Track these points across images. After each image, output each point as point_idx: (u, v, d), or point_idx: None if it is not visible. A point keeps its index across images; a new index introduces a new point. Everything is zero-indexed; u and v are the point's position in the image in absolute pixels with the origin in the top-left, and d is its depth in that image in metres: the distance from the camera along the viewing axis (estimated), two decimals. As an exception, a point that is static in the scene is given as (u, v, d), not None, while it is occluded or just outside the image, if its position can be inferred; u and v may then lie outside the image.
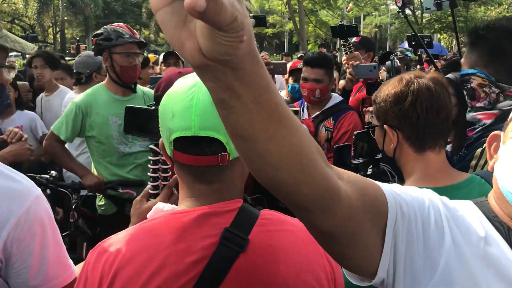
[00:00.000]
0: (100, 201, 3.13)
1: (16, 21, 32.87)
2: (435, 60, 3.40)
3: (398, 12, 3.06)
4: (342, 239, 0.77)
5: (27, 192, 1.19)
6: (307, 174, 0.67)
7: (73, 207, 3.13)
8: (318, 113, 3.12)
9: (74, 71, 4.18)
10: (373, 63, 3.31)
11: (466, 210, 0.89)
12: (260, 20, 3.24)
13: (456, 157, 1.81)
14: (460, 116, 2.04)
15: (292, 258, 1.01)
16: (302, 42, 18.90)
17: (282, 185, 0.68)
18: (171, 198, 1.26)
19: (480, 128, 1.73)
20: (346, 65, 3.18)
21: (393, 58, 3.14)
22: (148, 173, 1.35)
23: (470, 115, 1.77)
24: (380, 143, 1.57)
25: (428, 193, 0.89)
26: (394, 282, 0.83)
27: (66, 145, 3.13)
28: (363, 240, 0.80)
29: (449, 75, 2.24)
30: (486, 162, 1.61)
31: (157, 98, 1.10)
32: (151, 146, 1.30)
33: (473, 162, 1.66)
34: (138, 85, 3.14)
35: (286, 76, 4.19)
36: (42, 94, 4.47)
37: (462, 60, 1.81)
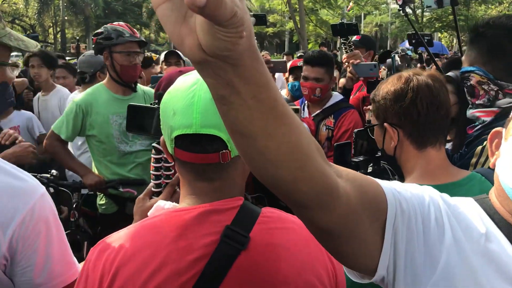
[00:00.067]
0: (100, 200, 3.13)
1: (17, 21, 32.89)
2: (435, 59, 3.40)
3: (399, 10, 3.06)
4: (341, 237, 0.77)
5: (32, 190, 1.20)
6: (306, 171, 0.68)
7: (74, 206, 3.14)
8: (318, 111, 3.13)
9: (78, 70, 4.18)
10: (373, 62, 3.31)
11: (467, 207, 0.89)
12: (260, 19, 3.24)
13: (457, 155, 1.81)
14: (461, 115, 2.04)
15: (293, 256, 1.01)
16: (303, 41, 18.88)
17: (281, 182, 0.68)
18: (174, 196, 1.26)
19: (480, 126, 1.73)
20: (346, 63, 3.18)
21: (394, 55, 3.14)
22: (151, 171, 1.35)
23: (469, 112, 1.77)
24: (379, 142, 1.57)
25: (429, 190, 0.89)
26: (395, 280, 0.83)
27: (69, 144, 3.13)
28: (362, 237, 0.80)
29: (450, 73, 2.24)
30: (486, 159, 1.61)
31: (160, 96, 1.10)
32: (154, 144, 1.30)
33: (474, 160, 1.66)
34: (138, 84, 3.14)
35: (287, 75, 4.19)
36: (39, 94, 4.48)
37: (463, 58, 1.81)
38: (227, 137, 0.98)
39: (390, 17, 33.58)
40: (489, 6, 26.63)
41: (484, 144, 1.63)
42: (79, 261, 1.32)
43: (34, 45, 1.35)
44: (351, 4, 24.18)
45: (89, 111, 2.96)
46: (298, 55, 8.47)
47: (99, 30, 3.03)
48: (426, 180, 1.39)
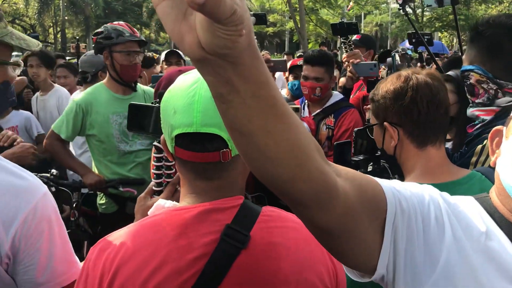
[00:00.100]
0: (101, 200, 3.13)
1: (17, 21, 32.89)
2: (436, 59, 3.40)
3: (399, 9, 3.06)
4: (340, 235, 0.77)
5: (34, 189, 1.20)
6: (305, 169, 0.68)
7: (74, 205, 3.14)
8: (319, 111, 3.12)
9: (80, 70, 4.18)
10: (373, 61, 3.31)
11: (467, 205, 0.89)
12: (260, 18, 3.24)
13: (457, 154, 1.81)
14: (461, 114, 2.04)
15: (294, 255, 1.01)
16: (303, 41, 18.87)
17: (280, 181, 0.68)
18: (175, 195, 1.26)
19: (480, 124, 1.73)
20: (346, 63, 3.18)
21: (394, 54, 3.14)
22: (152, 170, 1.35)
23: (469, 111, 1.77)
24: (379, 141, 1.56)
25: (429, 188, 0.89)
26: (394, 278, 0.83)
27: (70, 143, 3.13)
28: (361, 236, 0.80)
29: (450, 72, 2.24)
30: (486, 158, 1.61)
31: (161, 95, 1.10)
32: (155, 143, 1.30)
33: (474, 159, 1.66)
34: (138, 84, 3.14)
35: (287, 74, 4.19)
36: (37, 94, 4.47)
37: (463, 57, 1.81)
38: (228, 136, 0.97)
39: (390, 16, 33.59)
40: (489, 5, 26.63)
41: (484, 143, 1.63)
42: (80, 261, 1.32)
43: (35, 44, 1.35)
44: (351, 3, 24.19)
45: (89, 110, 2.96)
46: (298, 54, 8.47)
47: (99, 30, 3.03)
48: (426, 178, 1.39)
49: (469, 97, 1.77)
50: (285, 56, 10.75)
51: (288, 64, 3.90)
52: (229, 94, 0.60)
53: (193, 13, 0.55)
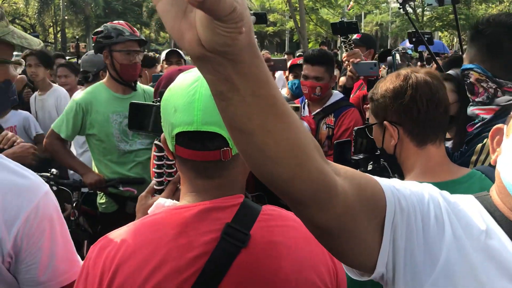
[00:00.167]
0: (101, 199, 3.13)
1: (17, 21, 32.87)
2: (436, 58, 3.40)
3: (399, 9, 3.06)
4: (339, 234, 0.77)
5: (36, 188, 1.20)
6: (304, 168, 0.68)
7: (74, 205, 3.14)
8: (319, 110, 3.13)
9: (81, 69, 4.18)
10: (373, 61, 3.31)
11: (467, 204, 0.88)
12: (260, 17, 3.23)
13: (457, 153, 1.81)
14: (461, 113, 2.04)
15: (294, 254, 1.01)
16: (303, 41, 18.86)
17: (280, 180, 0.68)
18: (176, 194, 1.26)
19: (479, 123, 1.73)
20: (347, 62, 3.18)
21: (394, 53, 3.13)
22: (153, 169, 1.35)
23: (470, 110, 1.77)
24: (379, 141, 1.56)
25: (428, 187, 0.89)
26: (394, 277, 0.83)
27: (71, 143, 3.13)
28: (361, 235, 0.80)
29: (450, 71, 2.24)
30: (486, 157, 1.61)
31: (161, 94, 1.10)
32: (156, 142, 1.30)
33: (474, 158, 1.66)
34: (138, 83, 3.14)
35: (287, 73, 4.20)
36: (36, 93, 4.47)
37: (464, 55, 1.81)
38: (228, 135, 0.97)
39: (391, 16, 33.59)
40: (490, 5, 26.62)
41: (484, 142, 1.63)
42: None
43: (37, 43, 1.35)
44: (351, 3, 24.18)
45: (89, 110, 2.96)
46: (298, 54, 8.47)
47: (99, 29, 3.03)
48: (426, 177, 1.39)
49: (469, 95, 1.77)
50: (286, 56, 10.75)
51: (288, 63, 3.90)
52: (229, 92, 0.60)
53: (193, 11, 0.55)
